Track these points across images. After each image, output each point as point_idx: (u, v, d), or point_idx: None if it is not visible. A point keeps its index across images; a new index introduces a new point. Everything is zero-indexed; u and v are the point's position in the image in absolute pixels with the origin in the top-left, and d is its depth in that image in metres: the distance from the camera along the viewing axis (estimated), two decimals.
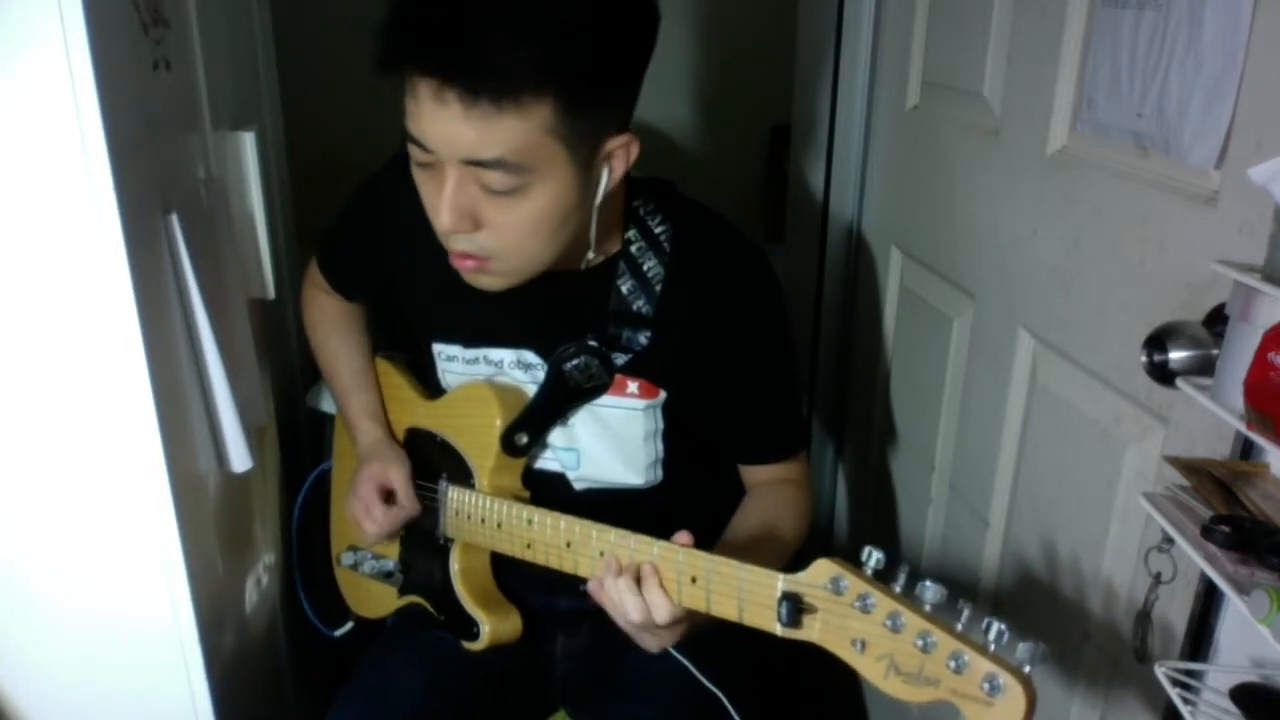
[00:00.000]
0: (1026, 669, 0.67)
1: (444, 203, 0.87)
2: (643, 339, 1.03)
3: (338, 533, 1.30)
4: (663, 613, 0.87)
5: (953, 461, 1.29)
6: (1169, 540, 0.74)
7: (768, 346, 1.08)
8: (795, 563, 0.81)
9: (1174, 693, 0.72)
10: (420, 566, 1.17)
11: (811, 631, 0.78)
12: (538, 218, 0.89)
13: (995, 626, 0.68)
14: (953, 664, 0.68)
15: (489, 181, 0.86)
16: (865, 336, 1.60)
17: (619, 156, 0.91)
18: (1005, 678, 0.66)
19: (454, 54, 0.81)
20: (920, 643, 0.70)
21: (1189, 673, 0.75)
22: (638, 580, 0.88)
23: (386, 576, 1.21)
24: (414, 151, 0.89)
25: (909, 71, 1.39)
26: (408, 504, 1.12)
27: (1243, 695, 0.70)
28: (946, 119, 1.29)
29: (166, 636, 1.00)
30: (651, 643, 0.92)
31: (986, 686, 0.67)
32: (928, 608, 0.72)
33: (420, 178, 0.92)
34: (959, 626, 0.69)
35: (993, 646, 0.68)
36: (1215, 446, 0.78)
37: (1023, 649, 0.66)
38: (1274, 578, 0.64)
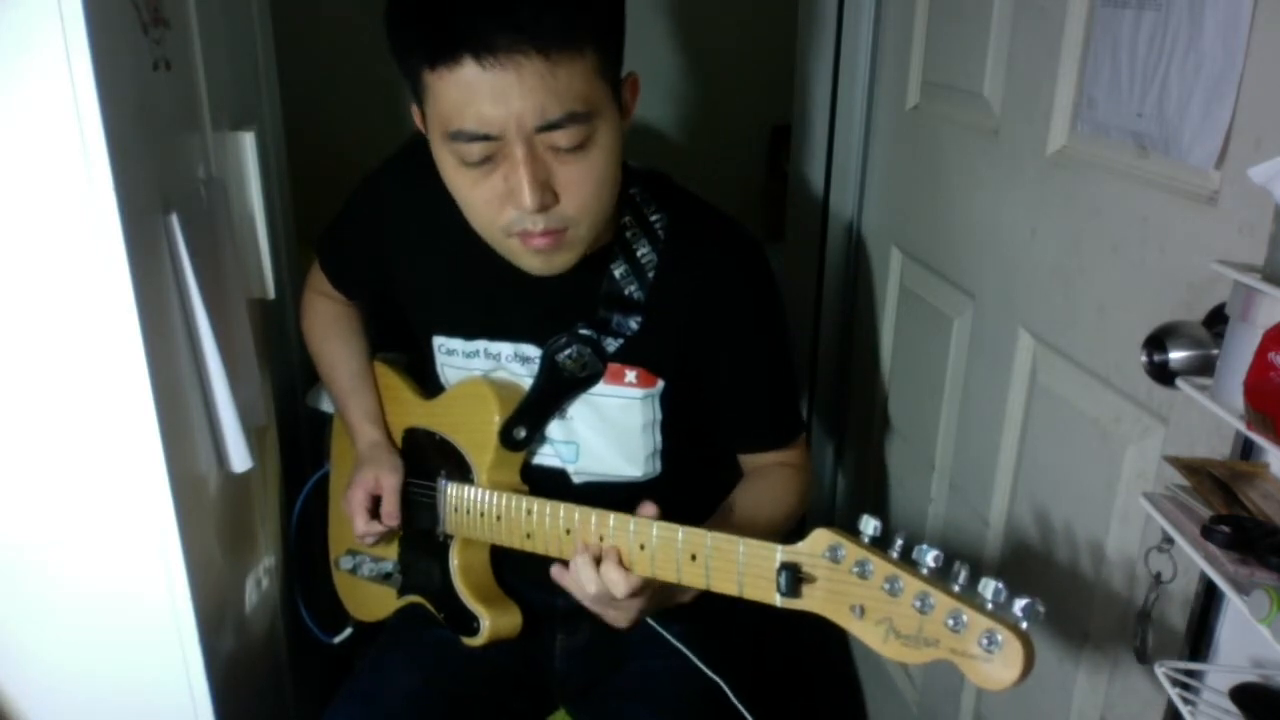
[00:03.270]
0: (1024, 625, 0.67)
1: (524, 183, 0.87)
2: (633, 324, 1.03)
3: (335, 537, 1.30)
4: (620, 588, 0.90)
5: (953, 461, 1.29)
6: (1169, 540, 0.74)
7: (763, 335, 1.09)
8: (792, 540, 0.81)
9: (1174, 693, 0.72)
10: (419, 566, 1.17)
11: (811, 601, 0.79)
12: (605, 167, 0.91)
13: (992, 585, 0.69)
14: (951, 622, 0.69)
15: (560, 141, 0.87)
16: (865, 336, 1.60)
17: (629, 93, 0.96)
18: (1003, 633, 0.67)
19: (526, 9, 0.82)
20: (918, 604, 0.71)
21: (1189, 673, 0.75)
22: (597, 559, 0.92)
23: (385, 578, 1.21)
24: (468, 151, 0.87)
25: (909, 71, 1.39)
26: (388, 521, 1.13)
27: (1243, 695, 0.70)
28: (946, 119, 1.29)
29: (166, 636, 1.00)
30: (617, 618, 0.95)
31: (984, 642, 0.68)
32: (925, 571, 0.72)
33: (474, 178, 0.90)
34: (956, 588, 0.70)
35: (990, 605, 0.69)
36: (1215, 446, 0.78)
37: (1019, 606, 0.67)
38: (1274, 578, 0.64)
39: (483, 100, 0.84)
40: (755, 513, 1.06)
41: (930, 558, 0.72)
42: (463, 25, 0.82)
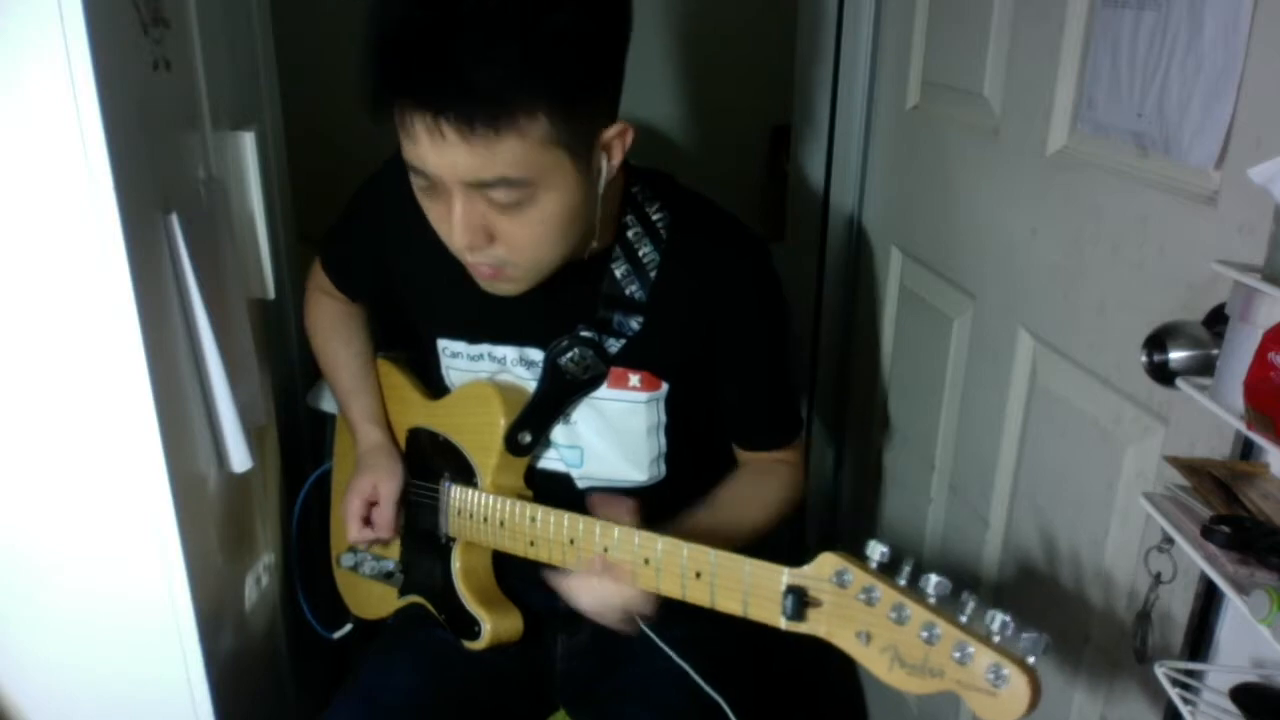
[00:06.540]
0: (1031, 660, 0.67)
1: (455, 225, 0.88)
2: (634, 324, 1.03)
3: (337, 535, 1.30)
4: (637, 604, 0.92)
5: (953, 461, 1.29)
6: (1169, 540, 0.74)
7: (765, 334, 1.09)
8: (796, 560, 0.81)
9: (1174, 693, 0.72)
10: (421, 566, 1.17)
11: (816, 625, 0.78)
12: (547, 222, 0.90)
13: (999, 618, 0.68)
14: (957, 655, 0.69)
15: (495, 198, 0.87)
16: (865, 336, 1.60)
17: (616, 145, 0.92)
18: (1010, 668, 0.67)
19: (444, 86, 0.81)
20: (925, 634, 0.71)
21: (1189, 673, 0.75)
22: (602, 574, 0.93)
23: (387, 577, 1.21)
24: (415, 179, 0.90)
25: (909, 71, 1.39)
26: (381, 531, 1.14)
27: (1243, 695, 0.70)
28: (946, 119, 1.29)
29: (166, 635, 1.00)
30: (621, 626, 0.97)
31: (991, 677, 0.68)
32: (932, 600, 0.72)
33: (425, 200, 0.93)
34: (963, 618, 0.70)
35: (997, 638, 0.68)
36: (1215, 446, 0.78)
37: (1026, 640, 0.67)
38: (1274, 578, 0.64)
39: (421, 145, 0.84)
40: (743, 509, 1.08)
41: (936, 585, 0.72)
42: (395, 78, 0.83)
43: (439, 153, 0.84)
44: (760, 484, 1.12)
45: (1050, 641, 0.68)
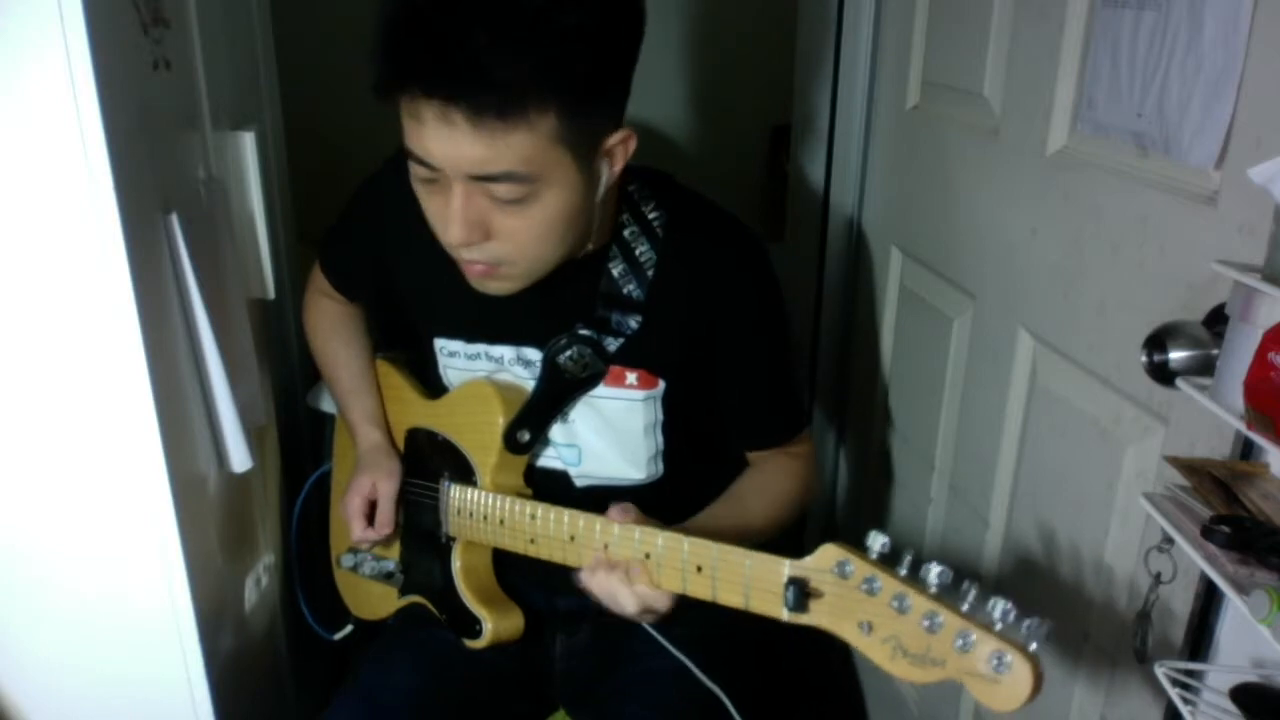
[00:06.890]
0: (1032, 646, 0.67)
1: (453, 218, 0.88)
2: (632, 322, 1.03)
3: (337, 535, 1.30)
4: (662, 602, 0.91)
5: (953, 461, 1.29)
6: (1169, 540, 0.74)
7: (764, 333, 1.09)
8: (797, 553, 0.81)
9: (1174, 693, 0.72)
10: (421, 566, 1.17)
11: (818, 616, 0.79)
12: (547, 222, 0.90)
13: (1000, 605, 0.69)
14: (959, 643, 0.69)
15: (497, 193, 0.86)
16: (865, 336, 1.60)
17: (619, 151, 0.92)
18: (1012, 655, 0.67)
19: (459, 73, 0.80)
20: (927, 623, 0.71)
21: (1189, 673, 0.75)
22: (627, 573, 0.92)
23: (387, 577, 1.21)
24: (416, 169, 0.89)
25: (909, 71, 1.40)
26: (381, 529, 1.14)
27: (1243, 695, 0.70)
28: (946, 119, 1.29)
29: (167, 636, 1.00)
30: (652, 620, 0.96)
31: (994, 664, 0.68)
32: (933, 589, 0.72)
33: (423, 193, 0.92)
34: (964, 607, 0.70)
35: (998, 625, 0.69)
36: (1215, 446, 0.78)
37: (1028, 627, 0.68)
38: (1274, 578, 0.64)
39: (427, 134, 0.84)
40: (754, 506, 1.07)
41: (938, 575, 0.72)
42: (410, 62, 0.82)
43: (446, 142, 0.83)
44: (770, 480, 1.12)
45: (1052, 627, 0.68)
